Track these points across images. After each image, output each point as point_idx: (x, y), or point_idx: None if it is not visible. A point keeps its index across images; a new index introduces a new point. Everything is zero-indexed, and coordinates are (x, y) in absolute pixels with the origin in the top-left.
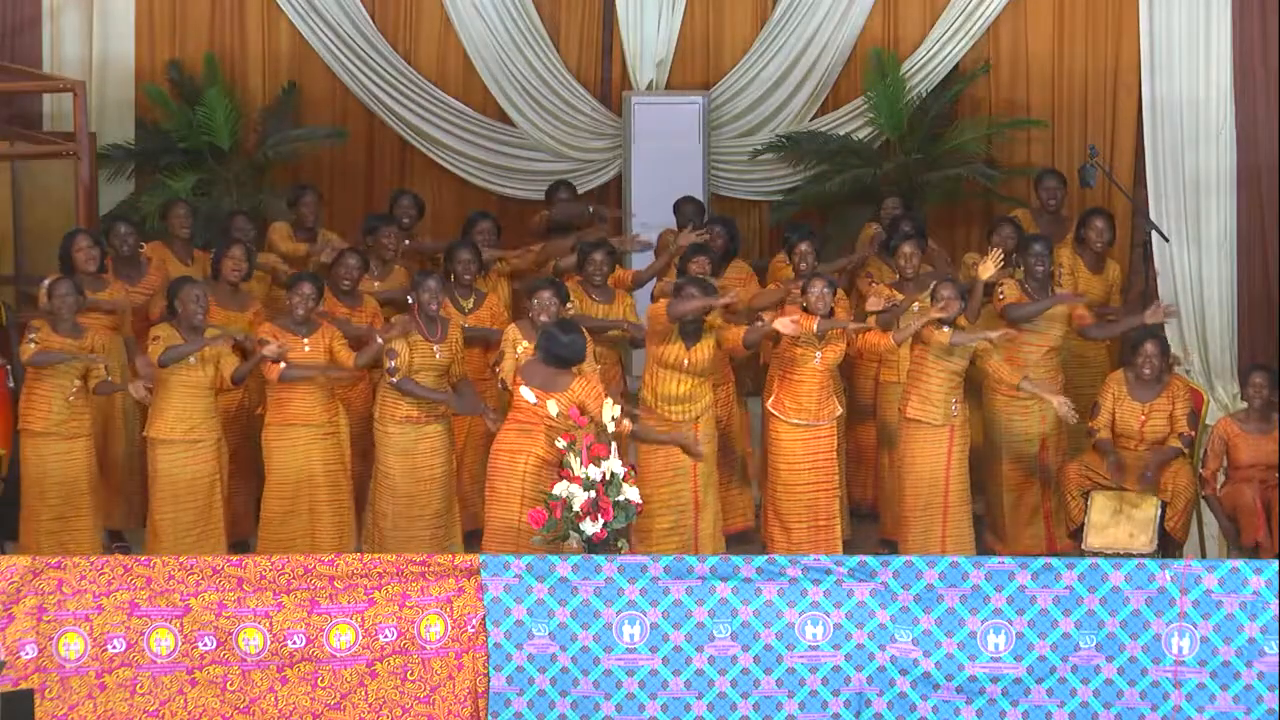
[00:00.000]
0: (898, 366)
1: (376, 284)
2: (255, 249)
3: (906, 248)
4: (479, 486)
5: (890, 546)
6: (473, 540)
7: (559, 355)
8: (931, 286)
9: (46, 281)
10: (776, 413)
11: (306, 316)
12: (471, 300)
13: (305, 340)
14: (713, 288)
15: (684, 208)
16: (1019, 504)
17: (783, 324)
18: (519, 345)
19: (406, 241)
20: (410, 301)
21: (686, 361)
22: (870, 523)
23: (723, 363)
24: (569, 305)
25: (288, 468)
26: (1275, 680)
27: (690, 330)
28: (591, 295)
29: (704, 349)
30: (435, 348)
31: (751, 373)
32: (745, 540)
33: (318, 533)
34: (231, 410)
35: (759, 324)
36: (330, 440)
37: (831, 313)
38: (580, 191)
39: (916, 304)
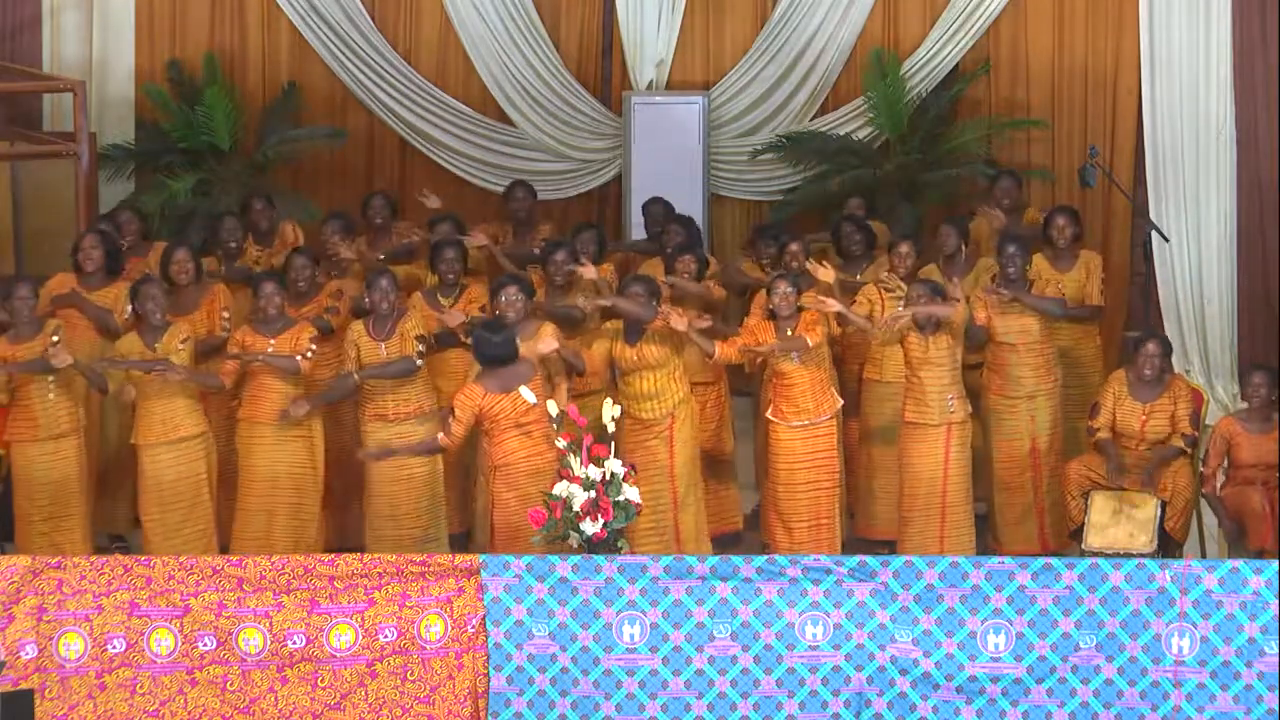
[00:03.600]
0: (881, 365)
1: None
2: (239, 249)
3: (903, 247)
4: (467, 486)
5: (885, 546)
6: (458, 542)
7: (495, 356)
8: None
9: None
10: (776, 419)
11: (278, 315)
12: (453, 296)
13: (272, 340)
14: (658, 290)
15: (651, 209)
16: (1010, 503)
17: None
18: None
19: (409, 240)
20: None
21: (636, 358)
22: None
23: (711, 364)
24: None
25: (254, 466)
26: (1275, 680)
27: (630, 329)
28: (551, 293)
29: (648, 345)
30: (382, 345)
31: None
32: (734, 543)
33: (273, 534)
34: (221, 414)
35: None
36: (300, 443)
37: (798, 311)
38: (580, 192)
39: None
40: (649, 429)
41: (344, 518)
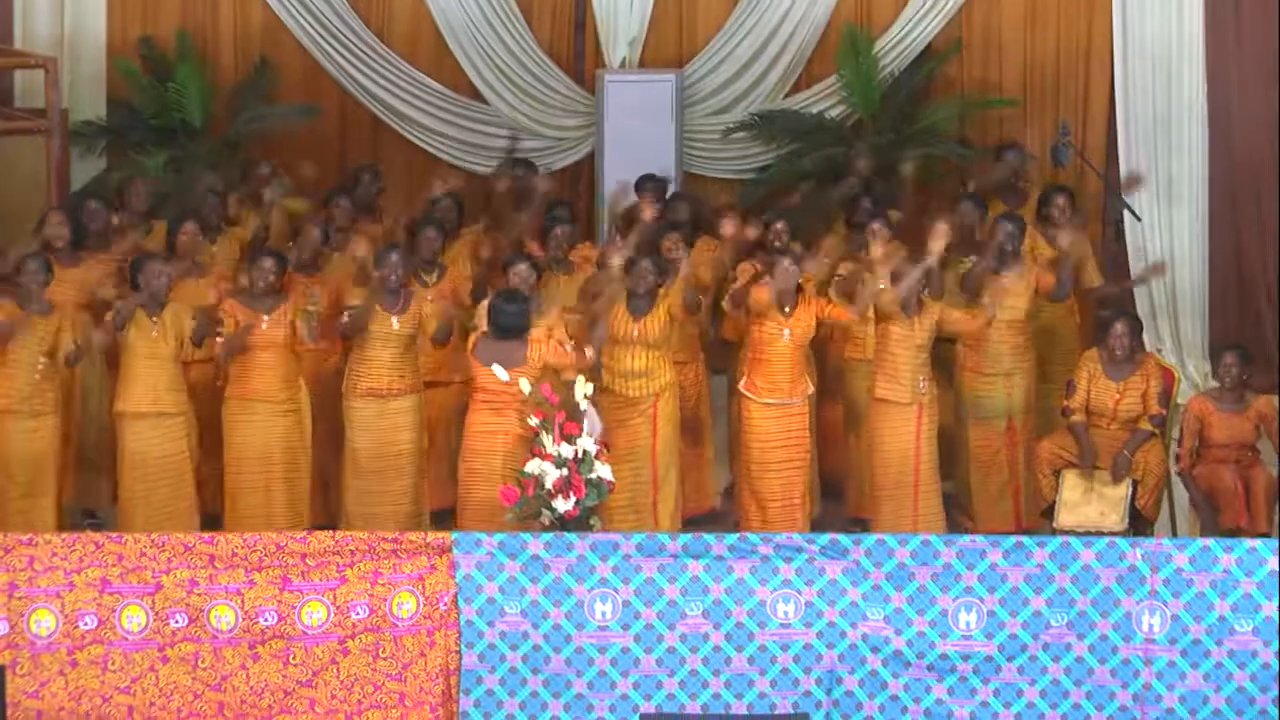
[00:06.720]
0: (864, 344)
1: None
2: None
3: (875, 225)
4: (449, 463)
5: (859, 525)
6: (440, 518)
7: (505, 326)
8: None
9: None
10: (749, 394)
11: (268, 290)
12: (435, 274)
13: (266, 316)
14: (667, 266)
15: (645, 185)
16: (987, 481)
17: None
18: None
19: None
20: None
21: (637, 333)
22: (839, 501)
23: (690, 341)
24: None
25: (247, 443)
26: (1245, 658)
27: (636, 300)
28: (552, 268)
29: (654, 320)
30: (394, 319)
31: (718, 350)
32: (711, 521)
33: (272, 509)
34: (200, 385)
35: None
36: (290, 418)
37: (799, 289)
38: (552, 170)
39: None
40: (633, 407)
41: (328, 494)
